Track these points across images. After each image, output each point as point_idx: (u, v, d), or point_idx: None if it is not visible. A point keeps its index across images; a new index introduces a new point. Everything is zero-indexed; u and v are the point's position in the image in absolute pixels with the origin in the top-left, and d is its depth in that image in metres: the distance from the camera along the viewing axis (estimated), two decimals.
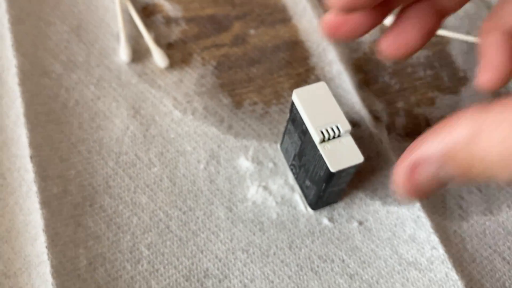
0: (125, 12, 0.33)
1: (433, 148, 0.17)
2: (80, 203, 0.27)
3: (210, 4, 0.35)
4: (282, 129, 0.30)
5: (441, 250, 0.27)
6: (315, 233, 0.27)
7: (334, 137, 0.23)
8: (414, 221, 0.28)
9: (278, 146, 0.29)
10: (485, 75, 0.22)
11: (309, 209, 0.28)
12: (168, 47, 0.33)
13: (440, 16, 0.24)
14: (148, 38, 0.32)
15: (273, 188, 0.28)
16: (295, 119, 0.25)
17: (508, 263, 0.27)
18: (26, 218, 0.26)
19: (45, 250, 0.25)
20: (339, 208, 0.28)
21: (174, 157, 0.29)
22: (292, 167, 0.28)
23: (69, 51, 0.31)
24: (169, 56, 0.32)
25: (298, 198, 0.28)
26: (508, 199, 0.29)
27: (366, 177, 0.29)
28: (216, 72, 0.32)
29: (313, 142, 0.24)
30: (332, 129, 0.23)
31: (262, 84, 0.32)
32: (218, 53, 0.33)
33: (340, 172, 0.23)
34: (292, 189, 0.28)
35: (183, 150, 0.29)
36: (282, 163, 0.29)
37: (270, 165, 0.29)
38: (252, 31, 0.34)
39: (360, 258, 0.27)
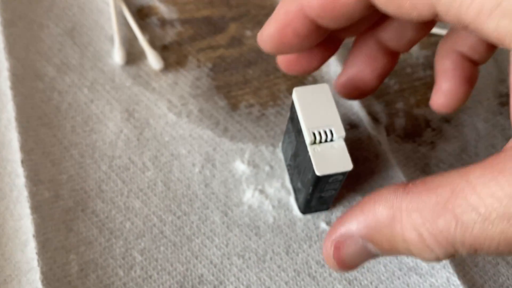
0: (120, 15, 0.33)
1: (355, 226, 0.18)
2: (72, 208, 0.26)
3: (205, 5, 0.34)
4: (279, 131, 0.30)
5: None
6: (313, 238, 0.26)
7: (326, 141, 0.23)
8: None
9: (280, 144, 0.29)
10: (438, 99, 0.23)
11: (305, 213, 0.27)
12: (163, 49, 0.32)
13: (391, 55, 0.24)
14: (142, 40, 0.32)
15: (269, 192, 0.27)
16: (293, 118, 0.24)
17: None
18: (17, 224, 0.25)
19: (35, 256, 0.24)
20: (337, 212, 0.27)
21: (169, 160, 0.28)
22: (289, 167, 0.27)
23: (62, 54, 0.31)
24: (164, 58, 0.31)
25: (294, 202, 0.27)
26: None
27: (364, 179, 0.28)
28: (212, 74, 0.31)
29: (305, 143, 0.23)
30: (325, 132, 0.23)
31: (259, 85, 0.31)
32: (214, 55, 0.32)
33: (327, 177, 0.23)
34: (289, 193, 0.27)
35: (178, 154, 0.28)
36: (279, 166, 0.28)
37: (267, 168, 0.28)
38: (248, 32, 0.33)
39: None
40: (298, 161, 0.25)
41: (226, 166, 0.28)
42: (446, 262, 0.26)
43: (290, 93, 0.31)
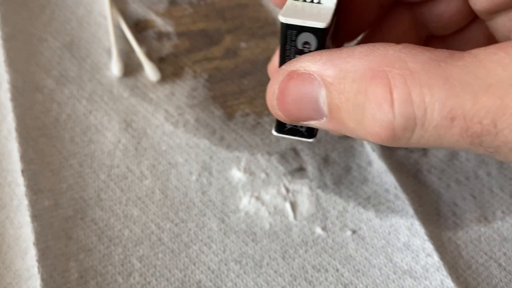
0: (117, 28, 0.34)
1: (319, 65, 0.15)
2: (71, 216, 0.26)
3: (201, 18, 0.35)
4: (274, 139, 0.30)
5: (436, 258, 0.26)
6: (309, 243, 0.27)
7: (312, 1, 0.19)
8: (408, 228, 0.27)
9: (275, 152, 0.29)
10: None
11: (303, 219, 0.27)
12: (159, 61, 0.33)
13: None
14: (139, 53, 0.32)
15: (265, 199, 0.28)
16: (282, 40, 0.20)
17: (504, 269, 0.27)
18: (17, 232, 0.26)
19: (35, 264, 0.24)
20: (332, 217, 0.28)
21: (166, 169, 0.29)
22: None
23: (61, 67, 0.32)
24: (161, 70, 0.32)
25: (290, 208, 0.28)
26: (503, 205, 0.29)
27: (358, 185, 0.29)
28: (208, 84, 0.32)
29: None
30: None
31: (254, 95, 0.32)
32: (210, 66, 0.33)
33: (294, 30, 0.18)
34: (285, 199, 0.28)
35: (175, 162, 0.29)
36: (275, 173, 0.29)
37: (263, 175, 0.29)
38: (243, 44, 0.34)
39: (354, 267, 0.26)
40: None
41: (222, 174, 0.29)
42: (440, 265, 0.26)
43: None
